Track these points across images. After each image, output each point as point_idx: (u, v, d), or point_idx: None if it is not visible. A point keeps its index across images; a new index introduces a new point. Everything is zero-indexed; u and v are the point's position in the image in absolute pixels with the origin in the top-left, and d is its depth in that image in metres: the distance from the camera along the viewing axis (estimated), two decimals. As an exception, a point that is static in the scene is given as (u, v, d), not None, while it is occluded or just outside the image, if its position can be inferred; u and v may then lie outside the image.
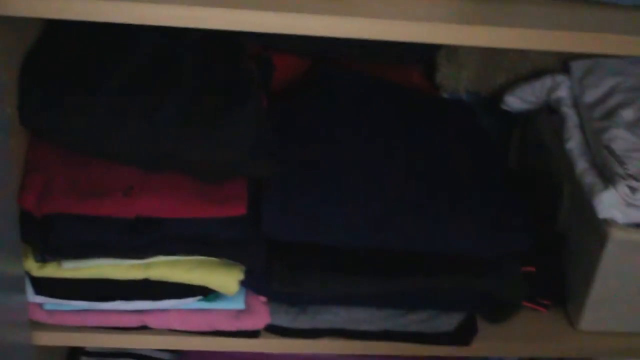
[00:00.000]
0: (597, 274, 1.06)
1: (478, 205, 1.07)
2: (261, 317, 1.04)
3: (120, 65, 1.01)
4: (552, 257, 1.14)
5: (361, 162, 1.10)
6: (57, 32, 1.05)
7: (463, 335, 1.06)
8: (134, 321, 1.02)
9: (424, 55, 1.27)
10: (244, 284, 1.02)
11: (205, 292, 1.01)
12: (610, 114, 1.13)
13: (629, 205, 1.03)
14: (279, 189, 1.03)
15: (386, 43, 1.25)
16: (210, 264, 1.00)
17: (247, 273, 1.02)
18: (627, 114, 1.13)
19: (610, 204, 1.03)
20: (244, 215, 0.99)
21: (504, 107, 1.25)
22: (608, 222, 1.03)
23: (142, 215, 0.97)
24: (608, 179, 1.04)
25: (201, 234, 0.98)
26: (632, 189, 1.03)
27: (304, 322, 1.05)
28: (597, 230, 1.04)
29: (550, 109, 1.22)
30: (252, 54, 1.17)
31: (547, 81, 1.21)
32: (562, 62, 1.24)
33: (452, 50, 1.25)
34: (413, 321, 1.06)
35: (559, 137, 1.16)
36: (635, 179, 1.03)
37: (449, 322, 1.06)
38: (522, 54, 1.25)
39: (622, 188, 1.03)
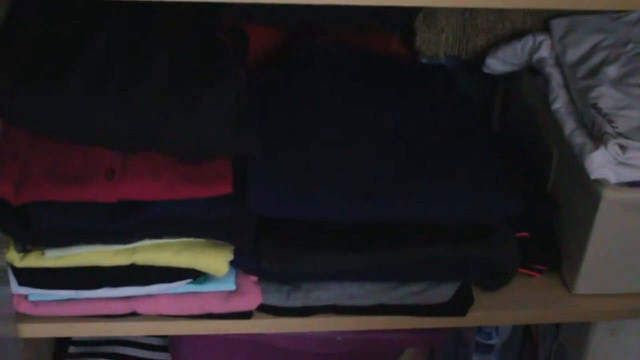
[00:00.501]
0: (591, 236, 1.04)
1: (468, 172, 1.05)
2: (253, 297, 1.01)
3: (93, 44, 0.97)
4: (545, 221, 1.12)
5: (344, 133, 1.08)
6: (25, 11, 1.00)
7: (459, 306, 1.04)
8: (122, 308, 0.99)
9: (402, 21, 1.24)
10: (233, 264, 0.99)
11: (195, 275, 0.98)
12: (594, 72, 1.12)
13: (620, 164, 1.02)
14: (264, 165, 1.00)
15: (362, 10, 1.23)
16: (198, 246, 0.97)
17: (237, 253, 0.99)
18: (612, 71, 1.12)
19: (601, 163, 1.01)
20: (230, 194, 0.96)
21: (486, 70, 1.23)
22: (600, 182, 1.01)
23: (124, 199, 0.94)
24: (597, 138, 1.03)
25: (187, 215, 0.95)
26: (623, 147, 1.01)
27: (296, 300, 1.02)
28: (589, 191, 1.03)
29: (533, 70, 1.20)
30: (225, 27, 1.14)
31: (528, 41, 1.18)
32: (542, 22, 1.22)
33: (429, 15, 1.22)
34: (407, 294, 1.04)
35: (544, 98, 1.14)
36: (625, 136, 1.01)
37: (444, 292, 1.04)
38: (501, 15, 1.22)
39: (613, 147, 1.01)
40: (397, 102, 1.13)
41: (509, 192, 1.03)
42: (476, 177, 1.04)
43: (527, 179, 1.14)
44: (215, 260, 0.97)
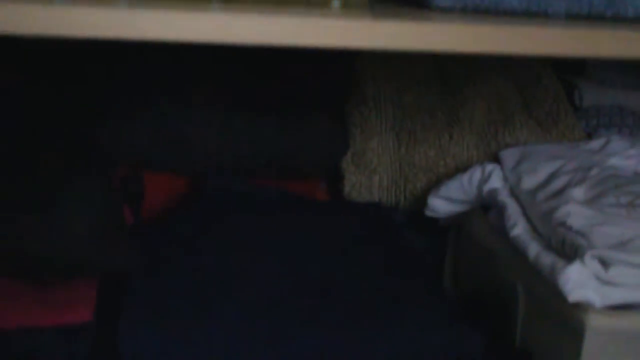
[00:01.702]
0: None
1: (406, 308, 0.81)
2: None
3: None
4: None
5: (254, 275, 0.85)
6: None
7: None
8: None
9: (325, 164, 1.05)
10: None
11: None
12: (558, 195, 0.93)
13: (604, 283, 0.80)
14: (142, 301, 0.76)
15: (277, 154, 1.04)
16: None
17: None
18: (578, 193, 0.93)
19: (579, 282, 0.79)
20: (92, 331, 0.71)
21: (429, 212, 1.03)
22: (581, 308, 0.79)
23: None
24: (570, 256, 0.82)
25: (30, 352, 0.69)
26: (605, 264, 0.80)
27: None
28: (569, 323, 0.79)
29: (484, 208, 1.01)
30: (118, 176, 0.95)
31: (475, 173, 1.00)
32: (490, 157, 1.05)
33: (359, 154, 1.04)
34: None
35: (500, 235, 0.94)
36: (606, 255, 0.80)
37: None
38: (442, 150, 1.05)
39: (591, 262, 0.80)
40: (321, 242, 0.91)
41: (463, 325, 0.80)
42: (418, 312, 0.81)
43: (493, 333, 0.90)
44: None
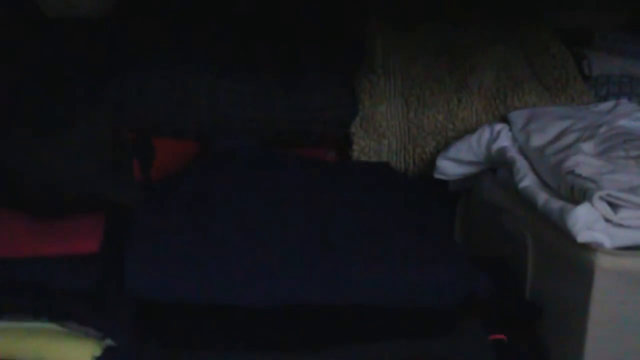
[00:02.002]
0: (589, 325, 0.79)
1: (417, 248, 0.81)
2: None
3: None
4: (526, 326, 0.86)
5: (260, 217, 0.84)
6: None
7: None
8: None
9: (335, 128, 1.05)
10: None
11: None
12: (566, 149, 0.92)
13: (613, 225, 0.79)
14: (148, 235, 0.76)
15: (286, 118, 1.05)
16: (52, 335, 0.70)
17: (108, 350, 0.72)
18: (587, 147, 0.92)
19: (588, 223, 0.78)
20: (99, 263, 0.71)
21: (438, 175, 1.02)
22: (591, 248, 0.78)
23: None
24: (579, 200, 0.81)
25: (38, 282, 0.69)
26: (614, 206, 0.79)
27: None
28: (579, 265, 0.79)
29: (492, 170, 1.01)
30: (129, 139, 0.95)
31: (484, 133, 1.00)
32: (499, 119, 1.04)
33: (367, 119, 1.04)
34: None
35: (508, 190, 0.94)
36: (615, 196, 0.80)
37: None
38: (451, 114, 1.05)
39: (600, 203, 0.79)
40: (330, 189, 0.91)
41: (471, 267, 0.79)
42: (428, 252, 0.80)
43: (504, 282, 0.89)
44: (74, 354, 0.70)
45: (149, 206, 0.78)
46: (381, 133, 1.04)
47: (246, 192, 0.89)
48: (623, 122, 1.00)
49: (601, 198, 0.79)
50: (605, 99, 1.11)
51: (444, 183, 1.04)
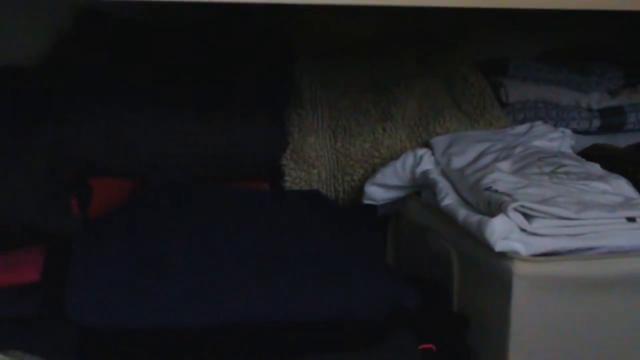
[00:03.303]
0: (511, 332, 0.83)
1: (347, 266, 0.85)
2: None
3: None
4: (454, 336, 0.90)
5: (196, 249, 0.88)
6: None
7: None
8: None
9: (265, 161, 1.09)
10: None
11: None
12: (484, 169, 0.98)
13: (528, 234, 0.84)
14: (87, 264, 0.79)
15: (218, 153, 1.09)
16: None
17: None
18: (504, 166, 0.98)
19: (504, 232, 0.84)
20: (40, 292, 0.74)
21: (366, 200, 1.07)
22: (508, 256, 0.83)
23: None
24: (495, 213, 0.86)
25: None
26: (529, 217, 0.85)
27: None
28: (498, 274, 0.84)
29: (417, 194, 1.06)
30: (67, 179, 0.98)
31: (408, 158, 1.05)
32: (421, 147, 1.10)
33: (297, 150, 1.09)
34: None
35: (433, 211, 0.99)
36: (528, 207, 0.85)
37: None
38: (376, 142, 1.10)
39: (515, 214, 0.84)
40: (263, 217, 0.95)
41: (400, 280, 0.84)
42: (357, 267, 0.85)
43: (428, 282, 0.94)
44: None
45: (87, 237, 0.81)
46: (311, 163, 1.09)
47: (182, 222, 0.92)
48: (537, 143, 1.06)
49: (515, 209, 0.85)
50: (522, 123, 1.18)
51: (373, 208, 1.09)
